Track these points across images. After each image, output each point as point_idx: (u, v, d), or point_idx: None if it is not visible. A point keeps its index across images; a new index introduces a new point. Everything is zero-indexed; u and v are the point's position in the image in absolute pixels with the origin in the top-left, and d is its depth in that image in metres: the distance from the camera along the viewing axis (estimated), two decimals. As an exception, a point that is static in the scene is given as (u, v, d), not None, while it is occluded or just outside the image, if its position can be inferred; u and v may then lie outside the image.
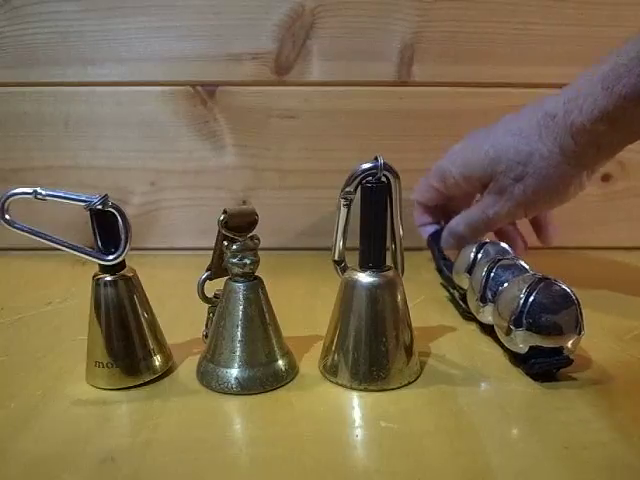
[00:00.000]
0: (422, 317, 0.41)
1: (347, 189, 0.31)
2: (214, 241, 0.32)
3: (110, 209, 0.30)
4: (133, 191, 0.57)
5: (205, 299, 0.34)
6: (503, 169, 0.42)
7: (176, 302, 0.43)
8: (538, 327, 0.31)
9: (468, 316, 0.40)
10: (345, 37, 0.54)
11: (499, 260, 0.37)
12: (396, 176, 0.31)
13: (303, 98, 0.55)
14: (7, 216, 0.30)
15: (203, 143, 0.56)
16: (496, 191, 0.43)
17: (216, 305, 0.33)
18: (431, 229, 0.52)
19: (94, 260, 0.31)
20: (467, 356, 0.35)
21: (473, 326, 0.40)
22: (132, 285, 0.32)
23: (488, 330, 0.38)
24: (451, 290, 0.45)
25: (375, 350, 0.31)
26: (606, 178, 0.58)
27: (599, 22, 0.53)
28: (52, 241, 0.31)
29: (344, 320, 0.32)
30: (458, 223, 0.47)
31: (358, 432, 0.28)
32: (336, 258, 0.33)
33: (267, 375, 0.31)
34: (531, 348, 0.32)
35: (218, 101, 0.55)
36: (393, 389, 0.32)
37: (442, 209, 0.52)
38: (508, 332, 0.32)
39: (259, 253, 0.32)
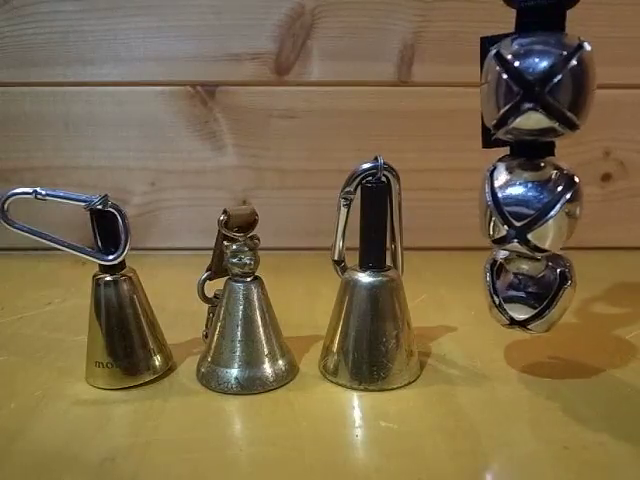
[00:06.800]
0: (422, 317, 0.41)
1: (347, 189, 0.31)
2: (214, 241, 0.32)
3: (110, 209, 0.30)
4: (133, 191, 0.57)
5: (205, 299, 0.34)
6: None
7: (176, 302, 0.43)
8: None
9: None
10: (345, 37, 0.54)
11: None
12: (396, 176, 0.31)
13: (303, 98, 0.55)
14: (7, 216, 0.30)
15: (203, 143, 0.56)
16: None
17: (216, 305, 0.33)
18: None
19: (94, 260, 0.31)
20: (467, 356, 0.35)
21: (473, 325, 0.40)
22: (132, 285, 0.32)
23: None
24: None
25: (375, 350, 0.31)
26: (606, 178, 0.58)
27: (599, 22, 0.53)
28: (52, 241, 0.31)
29: (344, 320, 0.32)
30: None
31: (358, 432, 0.28)
32: (336, 258, 0.33)
33: (267, 375, 0.31)
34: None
35: (218, 101, 0.55)
36: (393, 389, 0.32)
37: None
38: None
39: (259, 253, 0.32)
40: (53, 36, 0.53)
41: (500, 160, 0.28)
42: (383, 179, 0.31)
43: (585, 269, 0.53)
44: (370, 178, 0.31)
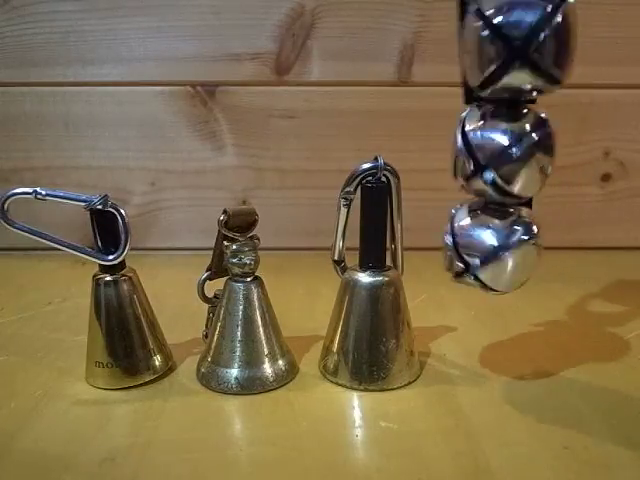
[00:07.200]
0: (422, 317, 0.41)
1: (347, 189, 0.31)
2: (214, 241, 0.32)
3: (110, 209, 0.30)
4: (133, 191, 0.57)
5: (205, 299, 0.34)
6: None
7: (176, 302, 0.43)
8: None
9: None
10: (345, 37, 0.54)
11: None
12: (396, 176, 0.31)
13: (303, 98, 0.55)
14: (7, 216, 0.30)
15: (203, 143, 0.56)
16: None
17: (216, 305, 0.33)
18: None
19: (94, 260, 0.31)
20: (467, 356, 0.35)
21: (473, 325, 0.40)
22: (132, 285, 0.32)
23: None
24: None
25: (375, 350, 0.31)
26: (606, 178, 0.58)
27: (599, 22, 0.53)
28: (52, 241, 0.31)
29: (344, 320, 0.32)
30: None
31: (358, 432, 0.28)
32: (336, 258, 0.33)
33: (267, 375, 0.31)
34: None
35: (218, 101, 0.55)
36: (393, 389, 0.32)
37: None
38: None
39: (259, 253, 0.32)
40: (53, 36, 0.53)
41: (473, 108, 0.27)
42: (383, 179, 0.31)
43: (584, 269, 0.54)
44: (370, 178, 0.31)
